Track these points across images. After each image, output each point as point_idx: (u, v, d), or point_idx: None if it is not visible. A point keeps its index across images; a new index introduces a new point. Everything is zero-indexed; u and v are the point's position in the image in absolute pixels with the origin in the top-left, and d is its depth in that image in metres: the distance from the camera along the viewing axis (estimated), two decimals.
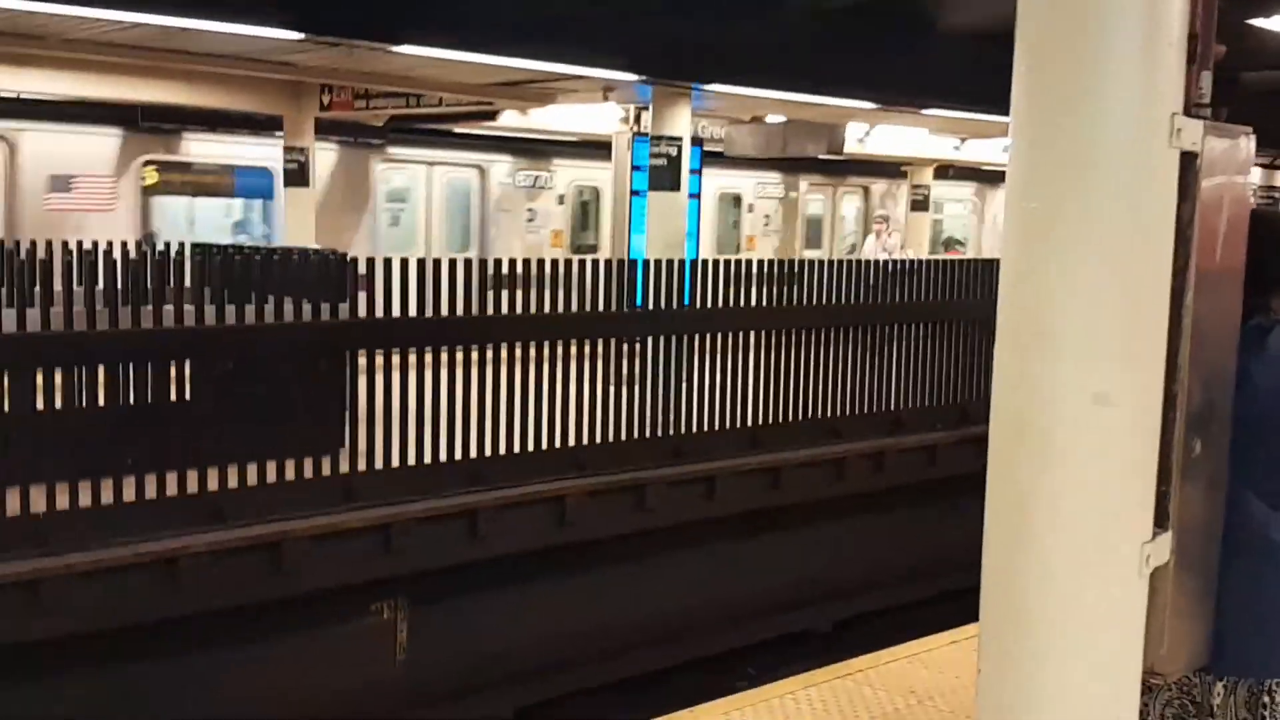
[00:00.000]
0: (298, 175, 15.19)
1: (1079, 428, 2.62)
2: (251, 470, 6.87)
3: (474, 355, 7.89)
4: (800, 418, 9.58)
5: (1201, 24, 2.71)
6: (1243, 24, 6.90)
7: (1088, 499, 2.63)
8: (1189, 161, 2.67)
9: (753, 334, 9.35)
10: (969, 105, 13.84)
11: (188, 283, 8.04)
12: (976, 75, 12.69)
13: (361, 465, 7.37)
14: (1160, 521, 2.66)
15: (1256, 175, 22.81)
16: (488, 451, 7.82)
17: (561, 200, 19.41)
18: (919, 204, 23.70)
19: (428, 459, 7.56)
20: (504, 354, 8.00)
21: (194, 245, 9.83)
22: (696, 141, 12.95)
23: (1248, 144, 2.86)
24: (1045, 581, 2.64)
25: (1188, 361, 2.70)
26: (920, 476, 10.16)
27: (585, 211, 20.01)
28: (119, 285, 6.91)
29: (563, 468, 8.12)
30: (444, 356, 7.71)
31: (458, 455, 7.69)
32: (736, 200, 22.47)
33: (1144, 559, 2.61)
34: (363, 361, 7.45)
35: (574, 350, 8.40)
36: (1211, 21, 2.75)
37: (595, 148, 18.07)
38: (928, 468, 10.21)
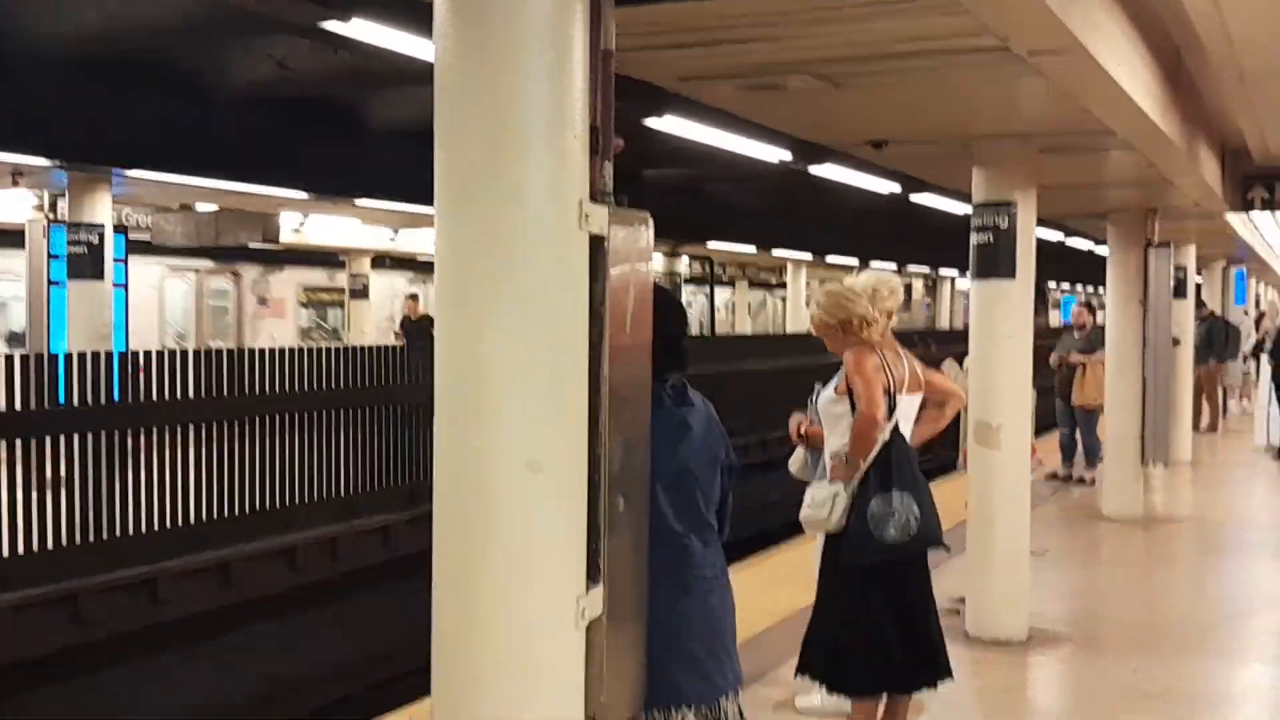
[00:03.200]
0: None
1: (514, 493, 2.78)
2: None
3: None
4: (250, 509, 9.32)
5: (601, 117, 3.00)
6: (640, 124, 7.62)
7: (526, 560, 2.79)
8: (598, 244, 2.93)
9: (192, 426, 9.00)
10: (401, 197, 14.23)
11: None
12: (407, 167, 13.12)
13: None
14: (593, 575, 2.87)
15: (659, 261, 25.09)
16: None
17: None
18: (357, 292, 23.98)
19: None
20: None
21: None
22: (121, 229, 12.33)
23: (647, 229, 3.18)
24: (492, 644, 2.77)
25: (608, 427, 2.94)
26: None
27: None
28: None
29: None
30: None
31: None
32: None
33: (580, 612, 2.80)
34: None
35: None
36: (610, 115, 3.04)
37: None
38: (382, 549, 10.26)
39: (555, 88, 2.81)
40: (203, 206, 16.75)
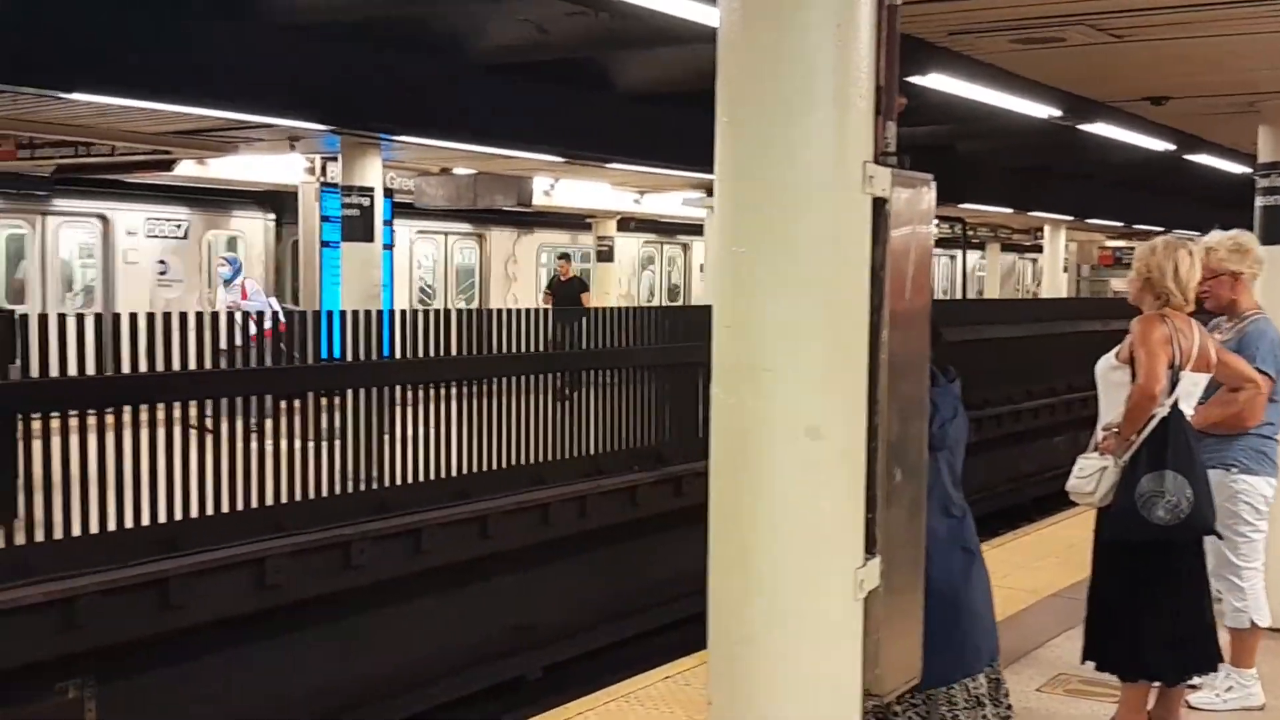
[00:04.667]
0: None
1: (792, 460, 2.75)
2: None
3: (160, 415, 7.53)
4: (505, 465, 9.62)
5: (885, 75, 2.92)
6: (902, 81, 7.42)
7: (802, 528, 2.76)
8: (880, 207, 2.86)
9: (454, 384, 9.34)
10: (648, 160, 14.32)
11: None
12: (653, 131, 13.20)
13: (40, 536, 6.88)
14: (870, 547, 2.82)
15: None
16: (178, 515, 7.46)
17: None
18: (604, 255, 24.33)
19: (112, 526, 7.14)
20: (193, 412, 7.69)
21: None
22: (387, 193, 12.84)
23: (929, 191, 3.08)
24: (766, 610, 2.75)
25: (886, 395, 2.88)
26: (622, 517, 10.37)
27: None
28: None
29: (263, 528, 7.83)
30: (126, 417, 7.32)
31: (145, 520, 7.30)
32: None
33: (858, 583, 2.76)
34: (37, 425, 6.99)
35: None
36: (894, 74, 2.96)
37: (241, 196, 17.43)
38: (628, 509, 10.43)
39: (842, 45, 2.74)
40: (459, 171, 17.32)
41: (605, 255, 24.35)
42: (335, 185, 12.50)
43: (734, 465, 2.79)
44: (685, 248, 27.75)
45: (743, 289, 2.80)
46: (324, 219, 13.33)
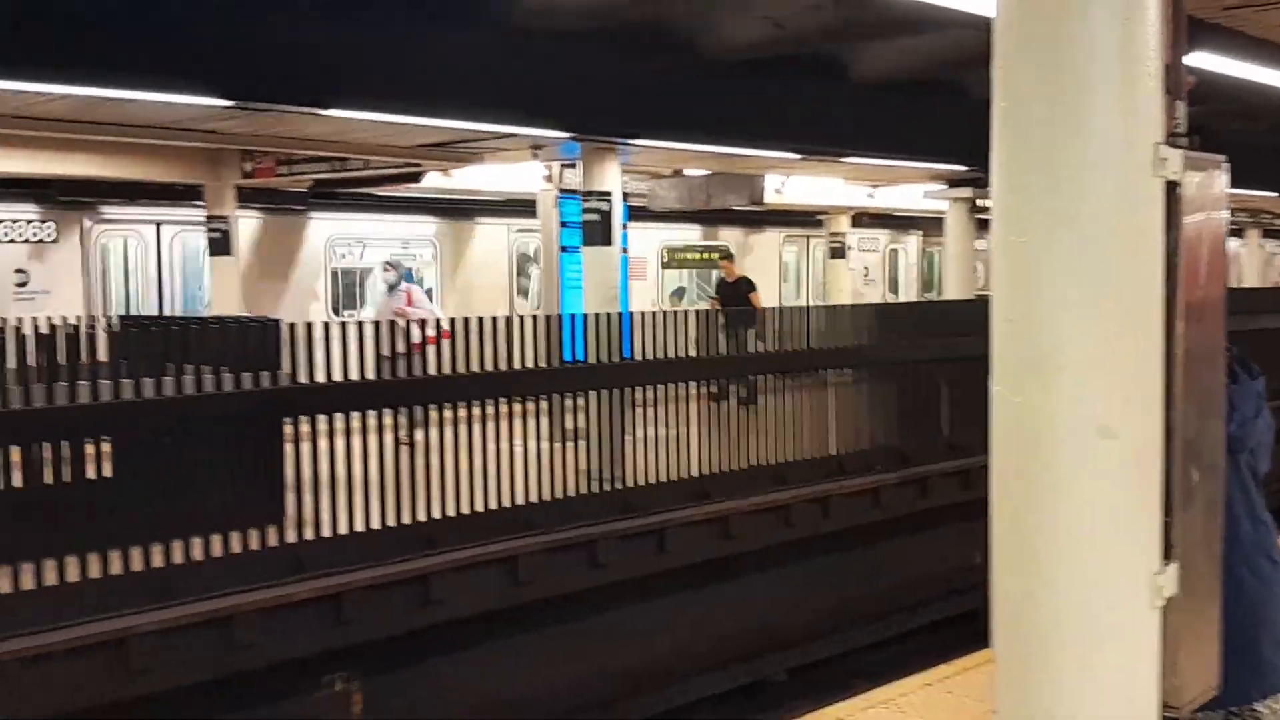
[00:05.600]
0: (221, 244, 14.98)
1: (1081, 460, 2.62)
2: (196, 545, 6.70)
3: (418, 416, 7.81)
4: (746, 465, 9.60)
5: (1172, 55, 2.76)
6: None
7: (1093, 533, 2.62)
8: (1171, 191, 2.70)
9: (691, 384, 9.37)
10: (885, 152, 14.06)
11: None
12: (890, 122, 12.95)
13: (308, 534, 7.21)
14: (1167, 552, 2.66)
15: None
16: (436, 514, 7.72)
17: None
18: (836, 251, 24.05)
19: (376, 524, 7.43)
20: (447, 414, 7.93)
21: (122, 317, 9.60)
22: (622, 196, 12.98)
23: (1222, 174, 2.90)
24: (1059, 617, 2.63)
25: (1182, 391, 2.71)
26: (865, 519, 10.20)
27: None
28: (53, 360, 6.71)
29: (514, 526, 8.02)
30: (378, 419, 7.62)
31: (406, 519, 7.57)
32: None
33: (1156, 590, 2.61)
34: (305, 428, 7.33)
35: (514, 409, 8.33)
36: (1181, 52, 2.79)
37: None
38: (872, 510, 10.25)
39: (1128, 20, 2.60)
40: (689, 172, 17.39)
41: (837, 252, 24.08)
42: (574, 191, 12.72)
43: (1019, 466, 2.67)
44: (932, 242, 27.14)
45: (1025, 280, 2.68)
46: (563, 224, 13.57)
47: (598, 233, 11.37)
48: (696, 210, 18.76)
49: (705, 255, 22.96)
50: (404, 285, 13.21)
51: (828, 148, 13.33)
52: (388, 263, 13.75)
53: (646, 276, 21.96)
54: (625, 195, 13.91)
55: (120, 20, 7.53)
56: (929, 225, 24.46)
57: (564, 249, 13.54)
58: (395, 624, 7.28)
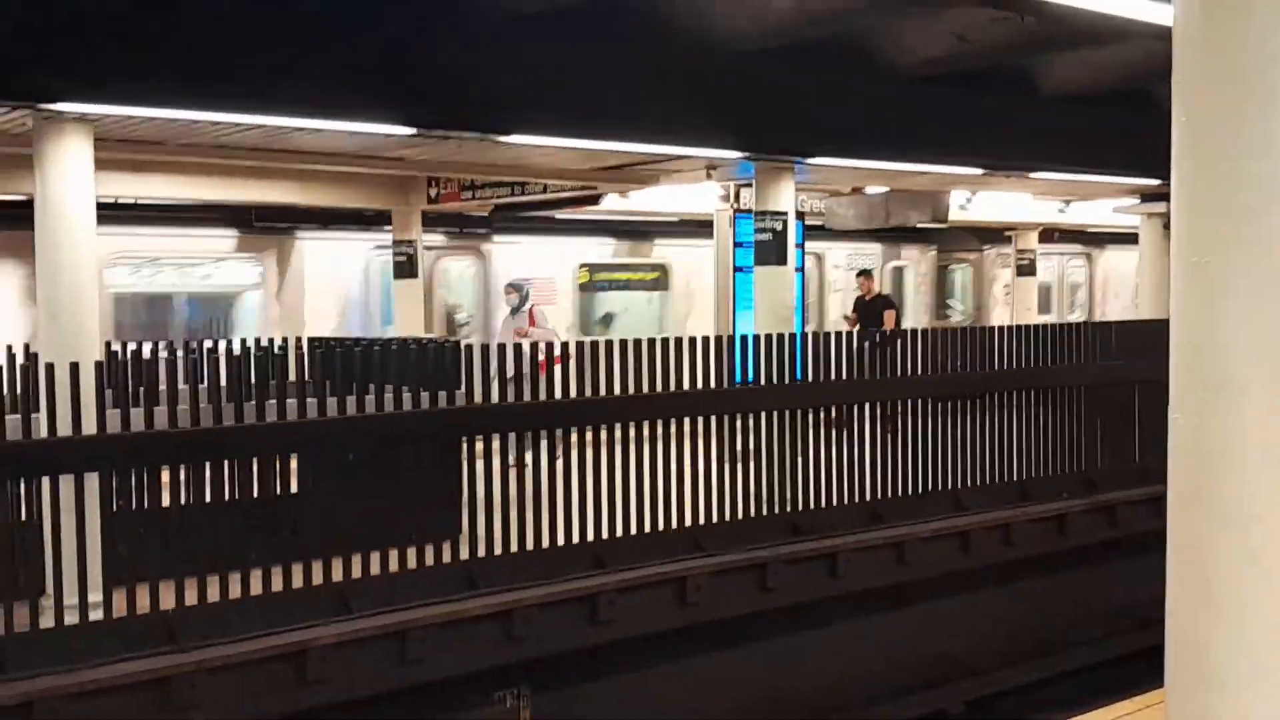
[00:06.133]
0: (406, 267, 15.40)
1: (1267, 487, 2.46)
2: (374, 559, 6.88)
3: (588, 436, 7.88)
4: (923, 490, 9.38)
5: None
6: None
7: (1277, 566, 2.45)
8: None
9: (866, 405, 9.20)
10: (1077, 167, 13.62)
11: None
12: (1082, 136, 12.53)
13: (481, 551, 7.33)
14: None
15: None
16: (605, 534, 7.75)
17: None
18: (1024, 269, 23.39)
19: (547, 543, 7.50)
20: (617, 434, 7.98)
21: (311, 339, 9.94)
22: (799, 215, 12.89)
23: None
24: (1238, 652, 2.47)
25: None
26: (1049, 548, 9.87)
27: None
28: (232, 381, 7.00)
29: (683, 547, 8.00)
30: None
31: (576, 538, 7.63)
32: None
33: None
34: (479, 447, 7.46)
35: (684, 429, 8.32)
36: None
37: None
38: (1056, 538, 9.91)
39: None
40: (870, 189, 17.15)
41: (1026, 269, 23.41)
42: (748, 210, 12.68)
43: (1197, 493, 2.52)
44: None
45: (1204, 301, 2.53)
46: (737, 244, 13.55)
47: (770, 252, 11.30)
48: (876, 229, 18.48)
49: None
50: (526, 306, 13.29)
51: (1014, 163, 13.00)
52: (510, 284, 13.85)
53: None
54: (801, 215, 13.83)
55: (311, 58, 7.87)
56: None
57: (738, 269, 13.51)
58: (564, 641, 7.33)
